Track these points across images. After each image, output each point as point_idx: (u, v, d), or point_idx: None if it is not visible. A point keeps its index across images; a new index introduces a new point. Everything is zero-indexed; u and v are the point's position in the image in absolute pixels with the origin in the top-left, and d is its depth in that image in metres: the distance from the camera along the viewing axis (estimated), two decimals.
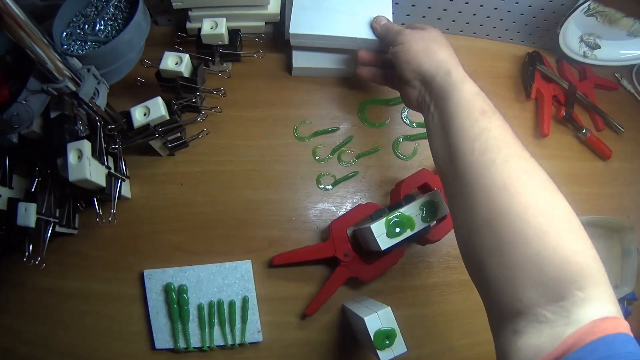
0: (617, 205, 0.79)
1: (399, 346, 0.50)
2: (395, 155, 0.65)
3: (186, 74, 0.57)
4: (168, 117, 0.55)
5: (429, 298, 0.63)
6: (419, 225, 0.54)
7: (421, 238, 0.57)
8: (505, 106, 0.73)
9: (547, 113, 0.72)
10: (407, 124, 0.67)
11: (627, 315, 0.78)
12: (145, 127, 0.55)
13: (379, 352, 0.49)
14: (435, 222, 0.56)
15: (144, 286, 0.58)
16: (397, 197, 0.57)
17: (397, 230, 0.53)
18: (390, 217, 0.53)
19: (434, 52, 0.48)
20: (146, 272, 0.59)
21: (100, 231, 0.59)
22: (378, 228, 0.53)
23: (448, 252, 0.65)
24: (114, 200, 0.55)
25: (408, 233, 0.53)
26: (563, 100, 0.75)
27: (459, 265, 0.65)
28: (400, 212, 0.54)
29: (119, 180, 0.57)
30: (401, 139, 0.66)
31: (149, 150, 0.61)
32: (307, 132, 0.63)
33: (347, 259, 0.57)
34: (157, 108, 0.53)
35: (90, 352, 0.57)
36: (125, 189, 0.60)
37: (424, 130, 0.67)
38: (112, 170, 0.56)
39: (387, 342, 0.50)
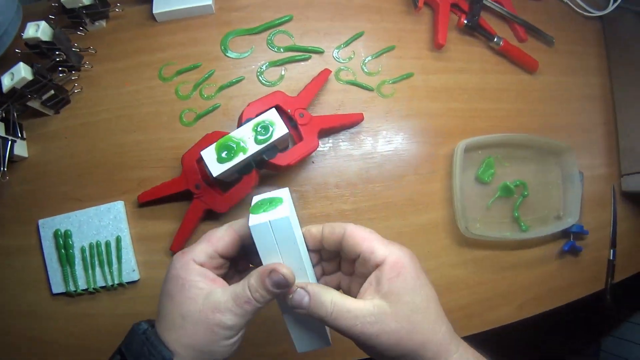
0: (553, 124, 0.68)
1: (280, 211, 0.33)
2: (260, 82, 0.62)
3: (45, 38, 0.59)
4: (31, 78, 0.58)
5: None
6: (252, 148, 0.50)
7: (266, 163, 0.53)
8: (395, 20, 0.66)
9: (442, 21, 0.63)
10: (273, 50, 0.63)
11: (575, 251, 0.66)
12: (15, 90, 0.58)
13: (251, 216, 0.34)
14: (274, 143, 0.51)
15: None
16: (241, 121, 0.54)
17: (225, 154, 0.49)
18: (221, 141, 0.50)
19: None
20: (40, 222, 0.62)
21: (7, 191, 0.63)
22: (208, 154, 0.50)
23: (325, 180, 0.60)
24: (3, 159, 0.60)
25: (240, 157, 0.50)
26: (467, 9, 0.65)
27: (339, 194, 0.60)
28: (229, 135, 0.50)
29: (9, 142, 0.61)
30: (265, 66, 0.62)
31: (40, 113, 0.64)
32: (171, 72, 0.62)
33: (199, 191, 0.55)
34: (19, 72, 0.57)
35: (1, 305, 0.61)
36: (21, 149, 0.64)
37: (291, 54, 0.63)
38: (2, 134, 0.60)
39: (265, 207, 0.35)
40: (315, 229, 0.36)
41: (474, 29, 0.65)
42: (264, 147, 0.50)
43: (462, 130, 0.64)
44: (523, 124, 0.67)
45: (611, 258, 0.69)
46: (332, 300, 0.33)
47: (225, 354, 0.34)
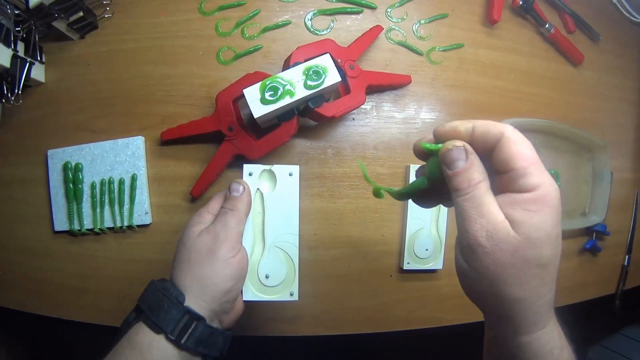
0: (589, 119, 0.63)
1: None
2: (306, 29, 0.54)
3: None
4: None
5: (338, 190, 0.52)
6: (300, 93, 0.43)
7: (311, 111, 0.45)
8: None
9: None
10: None
11: (595, 251, 0.60)
12: (42, 7, 0.50)
13: None
14: (323, 91, 0.44)
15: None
16: (288, 64, 0.46)
17: (269, 95, 0.42)
18: (267, 81, 0.42)
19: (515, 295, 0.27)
20: (50, 152, 0.54)
21: (18, 116, 0.54)
22: (251, 93, 0.43)
23: (363, 139, 0.53)
24: (19, 81, 0.52)
25: (286, 100, 0.43)
26: None
27: (377, 156, 0.54)
28: (277, 75, 0.42)
29: (27, 63, 0.53)
30: (314, 13, 0.55)
31: (64, 37, 0.55)
32: (213, 7, 0.54)
33: (231, 134, 0.47)
34: None
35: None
36: (38, 73, 0.56)
37: (343, 5, 0.55)
38: (21, 54, 0.52)
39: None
40: (464, 127, 0.28)
41: (527, 12, 0.59)
42: (312, 94, 0.43)
43: (504, 109, 0.58)
44: (561, 114, 0.62)
45: (626, 264, 0.65)
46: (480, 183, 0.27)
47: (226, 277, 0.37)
